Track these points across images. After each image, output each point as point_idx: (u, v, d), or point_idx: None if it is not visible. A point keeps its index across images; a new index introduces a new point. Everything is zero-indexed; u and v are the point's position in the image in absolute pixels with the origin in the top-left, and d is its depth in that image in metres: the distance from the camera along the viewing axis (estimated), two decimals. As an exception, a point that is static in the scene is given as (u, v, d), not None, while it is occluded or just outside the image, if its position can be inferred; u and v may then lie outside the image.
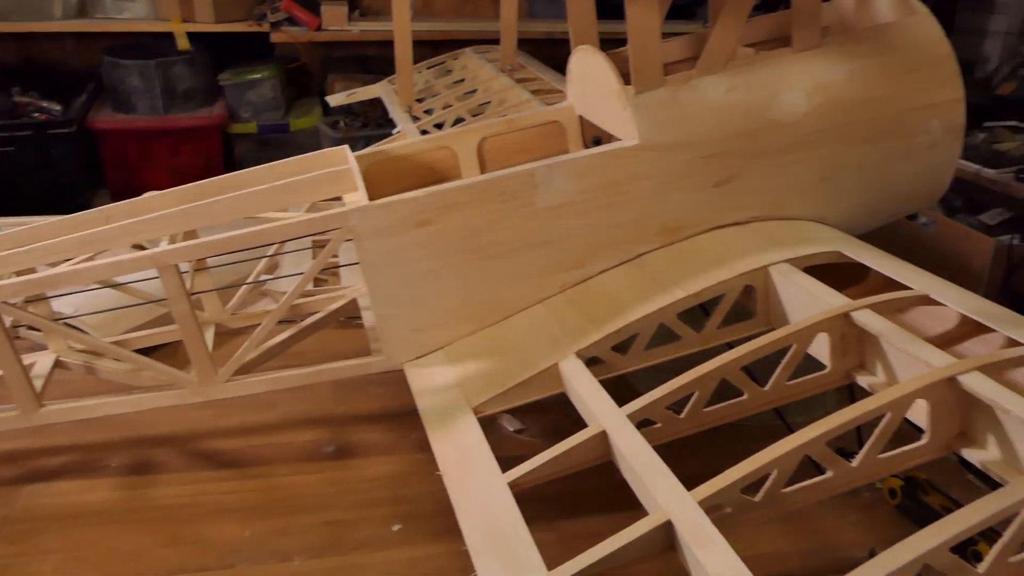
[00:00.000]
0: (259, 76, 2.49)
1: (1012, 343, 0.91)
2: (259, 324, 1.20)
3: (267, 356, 1.26)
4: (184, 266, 1.14)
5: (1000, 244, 2.55)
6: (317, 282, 1.66)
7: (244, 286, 1.44)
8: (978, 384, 0.82)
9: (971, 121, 3.24)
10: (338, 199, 1.28)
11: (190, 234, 1.24)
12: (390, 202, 1.11)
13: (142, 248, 1.17)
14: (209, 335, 1.38)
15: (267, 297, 1.63)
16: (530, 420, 1.41)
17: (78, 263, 1.17)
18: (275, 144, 2.57)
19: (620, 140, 1.20)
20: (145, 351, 1.27)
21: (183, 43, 2.34)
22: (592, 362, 1.11)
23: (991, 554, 0.69)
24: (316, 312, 1.34)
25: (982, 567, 0.70)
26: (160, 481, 1.27)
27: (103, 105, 2.56)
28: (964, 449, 0.86)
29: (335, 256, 1.56)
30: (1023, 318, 0.96)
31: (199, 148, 2.44)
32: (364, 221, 1.11)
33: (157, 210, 1.19)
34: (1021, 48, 3.32)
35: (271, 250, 1.48)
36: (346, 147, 1.27)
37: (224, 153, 2.60)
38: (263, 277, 1.50)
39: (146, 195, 1.27)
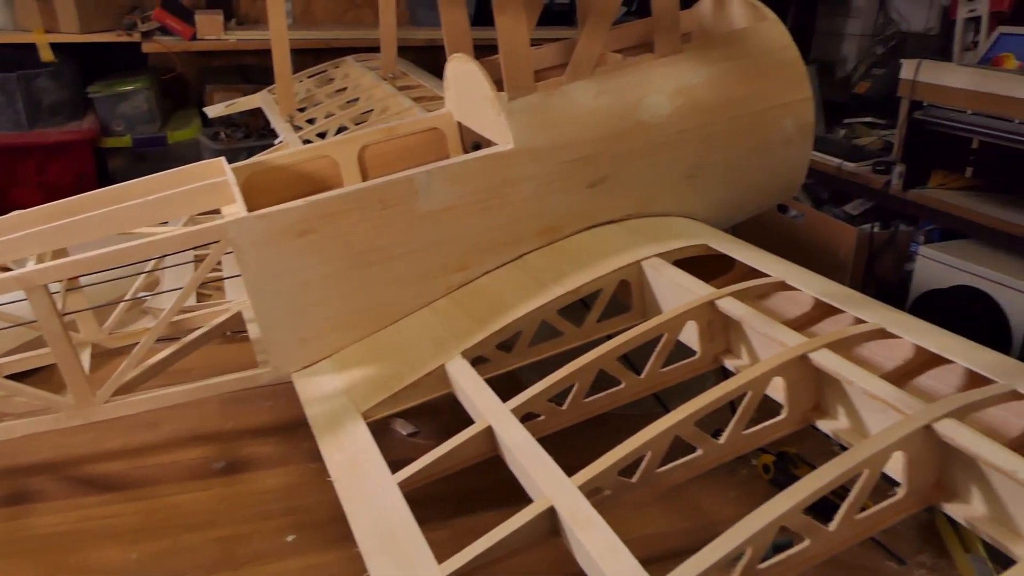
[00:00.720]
0: (131, 88, 2.39)
1: (858, 321, 0.99)
2: (139, 343, 1.17)
3: (148, 375, 1.24)
4: (56, 286, 1.11)
5: (862, 232, 2.73)
6: (201, 297, 1.63)
7: (121, 304, 1.40)
8: (826, 360, 0.89)
9: (833, 118, 3.46)
10: (217, 212, 1.27)
11: (60, 253, 1.20)
12: (268, 213, 1.11)
13: (7, 269, 1.13)
14: (85, 356, 1.33)
15: (148, 315, 1.59)
16: (423, 423, 1.43)
17: (-63, 288, 1.12)
18: (152, 158, 2.48)
19: (496, 145, 1.23)
20: (19, 376, 1.22)
21: (46, 54, 2.22)
22: (478, 361, 1.14)
23: (839, 512, 0.76)
24: (199, 328, 1.32)
25: (832, 525, 0.76)
26: (39, 510, 1.22)
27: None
28: (819, 421, 0.93)
29: (218, 269, 1.54)
30: (867, 298, 1.04)
31: (69, 164, 2.32)
32: (243, 233, 1.11)
33: (24, 229, 1.15)
34: (874, 49, 3.56)
35: (149, 266, 1.45)
36: (222, 159, 1.26)
37: (97, 169, 2.49)
38: (141, 294, 1.46)
39: (11, 214, 1.22)
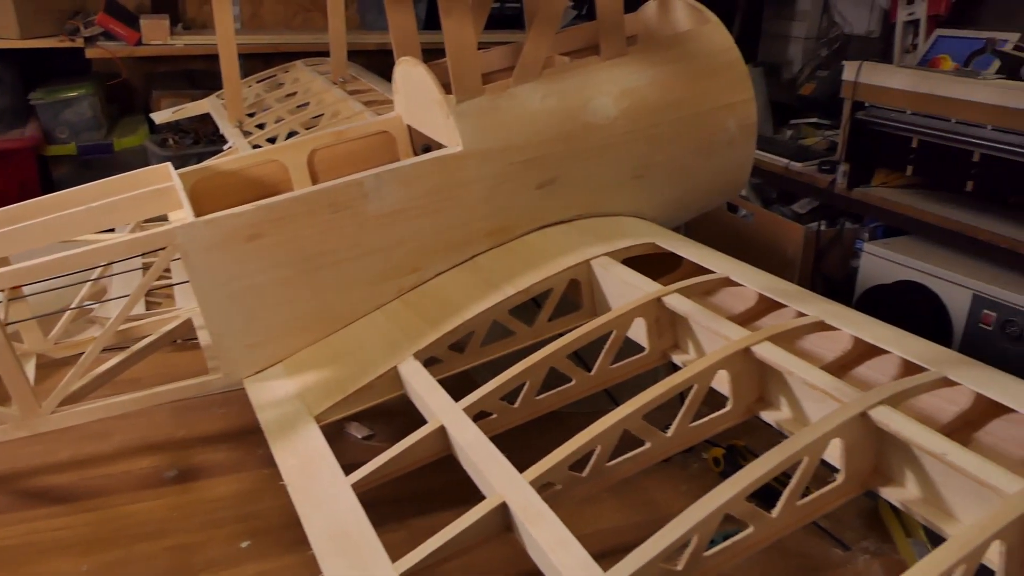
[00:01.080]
0: (75, 94, 2.33)
1: (799, 315, 1.02)
2: (85, 352, 1.15)
3: (96, 384, 1.22)
4: (-4, 295, 1.09)
5: (809, 231, 2.80)
6: (150, 305, 1.61)
7: (67, 313, 1.38)
8: (769, 352, 0.92)
9: (780, 119, 3.52)
10: (164, 218, 1.26)
11: (2, 261, 1.18)
12: (216, 218, 1.10)
13: (-53, 279, 1.10)
14: (30, 366, 1.31)
15: (96, 324, 1.56)
16: (378, 425, 1.43)
17: None
18: (98, 165, 2.42)
19: (445, 147, 1.24)
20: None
21: None
22: (431, 362, 1.14)
23: (781, 499, 0.78)
24: (147, 336, 1.30)
25: (775, 511, 0.78)
26: (-16, 525, 1.20)
27: None
28: (763, 412, 0.96)
29: (167, 276, 1.52)
30: (808, 292, 1.07)
31: (11, 173, 2.24)
32: (191, 238, 1.10)
33: (-38, 238, 1.12)
34: (819, 51, 3.65)
35: (96, 274, 1.43)
36: (168, 164, 1.25)
37: (41, 177, 2.44)
38: (87, 303, 1.44)
39: (-51, 224, 1.19)
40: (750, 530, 0.77)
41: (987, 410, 0.79)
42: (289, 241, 1.14)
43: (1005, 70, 2.42)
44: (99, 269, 1.41)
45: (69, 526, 1.20)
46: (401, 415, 1.17)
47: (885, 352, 0.91)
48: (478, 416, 1.00)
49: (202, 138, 2.44)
